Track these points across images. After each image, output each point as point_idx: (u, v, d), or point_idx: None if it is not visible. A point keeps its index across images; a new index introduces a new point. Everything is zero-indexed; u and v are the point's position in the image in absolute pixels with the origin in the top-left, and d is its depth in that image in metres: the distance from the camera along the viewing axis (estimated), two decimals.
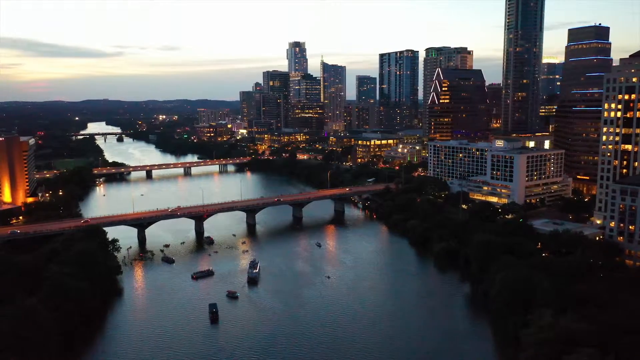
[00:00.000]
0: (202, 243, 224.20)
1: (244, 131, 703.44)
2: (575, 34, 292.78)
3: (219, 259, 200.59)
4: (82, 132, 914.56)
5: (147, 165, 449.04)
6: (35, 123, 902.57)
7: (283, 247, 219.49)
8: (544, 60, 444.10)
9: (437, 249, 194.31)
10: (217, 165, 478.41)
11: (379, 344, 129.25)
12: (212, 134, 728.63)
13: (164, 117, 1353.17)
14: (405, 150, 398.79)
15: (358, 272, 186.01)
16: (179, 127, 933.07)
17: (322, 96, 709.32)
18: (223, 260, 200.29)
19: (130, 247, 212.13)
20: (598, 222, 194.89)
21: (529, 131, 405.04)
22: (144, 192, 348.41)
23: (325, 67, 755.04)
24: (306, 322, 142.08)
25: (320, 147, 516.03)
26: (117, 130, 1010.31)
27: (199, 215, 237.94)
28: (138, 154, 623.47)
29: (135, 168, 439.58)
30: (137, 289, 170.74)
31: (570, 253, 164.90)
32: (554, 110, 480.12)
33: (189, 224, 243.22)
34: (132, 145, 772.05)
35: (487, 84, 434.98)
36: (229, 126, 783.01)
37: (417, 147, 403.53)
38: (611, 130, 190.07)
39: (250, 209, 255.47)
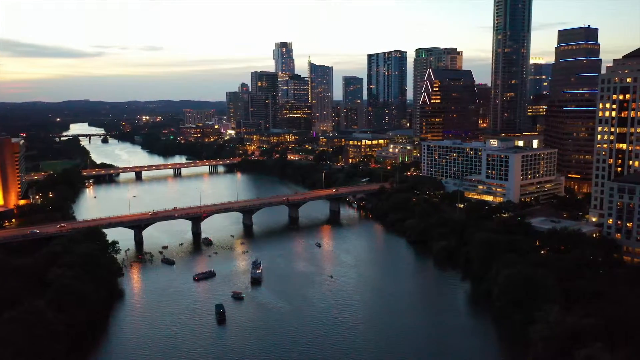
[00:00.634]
0: (201, 244, 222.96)
1: (232, 132, 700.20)
2: (565, 35, 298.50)
3: (219, 260, 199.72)
4: (65, 134, 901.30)
5: (137, 167, 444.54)
6: (15, 124, 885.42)
7: (282, 248, 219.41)
8: (531, 61, 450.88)
9: (437, 248, 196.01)
10: (207, 166, 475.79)
11: (386, 342, 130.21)
12: (199, 135, 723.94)
13: (148, 117, 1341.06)
14: (397, 150, 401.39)
15: (360, 271, 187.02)
16: (164, 127, 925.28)
17: (309, 97, 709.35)
18: (223, 261, 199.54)
19: (128, 249, 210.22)
20: (593, 219, 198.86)
21: (517, 131, 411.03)
22: (135, 194, 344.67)
23: (312, 67, 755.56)
24: (314, 321, 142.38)
25: (310, 148, 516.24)
26: (101, 131, 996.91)
27: (197, 216, 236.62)
28: (125, 155, 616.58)
29: (125, 169, 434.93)
30: (140, 291, 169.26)
31: (569, 250, 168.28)
32: (541, 110, 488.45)
33: (185, 225, 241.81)
34: (118, 146, 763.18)
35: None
36: (216, 127, 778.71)
37: (409, 147, 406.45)
38: (606, 129, 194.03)
39: (247, 210, 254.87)
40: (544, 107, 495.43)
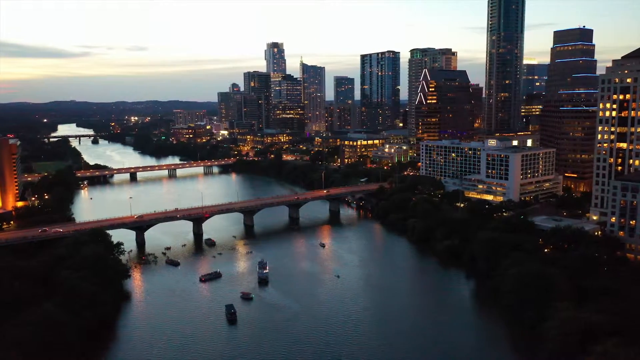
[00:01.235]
0: (204, 245, 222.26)
1: (225, 132, 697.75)
2: (560, 36, 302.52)
3: (224, 261, 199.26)
4: (53, 134, 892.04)
5: (132, 168, 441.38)
6: (2, 125, 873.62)
7: (286, 248, 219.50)
8: (523, 62, 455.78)
9: (441, 247, 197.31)
10: (202, 167, 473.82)
11: (398, 341, 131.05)
12: (190, 135, 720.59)
13: (137, 118, 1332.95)
14: (393, 150, 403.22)
15: (365, 270, 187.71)
16: (154, 128, 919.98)
17: (302, 97, 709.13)
18: (228, 262, 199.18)
19: (131, 251, 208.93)
20: (594, 218, 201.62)
21: (511, 131, 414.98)
22: (132, 195, 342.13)
23: (304, 67, 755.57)
24: (325, 321, 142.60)
25: (304, 148, 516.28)
26: (90, 132, 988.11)
27: (199, 217, 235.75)
28: (117, 156, 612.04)
29: (120, 170, 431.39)
30: (148, 292, 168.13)
31: (572, 248, 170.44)
32: (533, 110, 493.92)
33: (186, 226, 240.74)
34: (109, 147, 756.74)
35: None
36: (208, 127, 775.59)
37: (404, 147, 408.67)
38: (606, 129, 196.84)
39: (249, 210, 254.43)
40: (537, 107, 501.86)
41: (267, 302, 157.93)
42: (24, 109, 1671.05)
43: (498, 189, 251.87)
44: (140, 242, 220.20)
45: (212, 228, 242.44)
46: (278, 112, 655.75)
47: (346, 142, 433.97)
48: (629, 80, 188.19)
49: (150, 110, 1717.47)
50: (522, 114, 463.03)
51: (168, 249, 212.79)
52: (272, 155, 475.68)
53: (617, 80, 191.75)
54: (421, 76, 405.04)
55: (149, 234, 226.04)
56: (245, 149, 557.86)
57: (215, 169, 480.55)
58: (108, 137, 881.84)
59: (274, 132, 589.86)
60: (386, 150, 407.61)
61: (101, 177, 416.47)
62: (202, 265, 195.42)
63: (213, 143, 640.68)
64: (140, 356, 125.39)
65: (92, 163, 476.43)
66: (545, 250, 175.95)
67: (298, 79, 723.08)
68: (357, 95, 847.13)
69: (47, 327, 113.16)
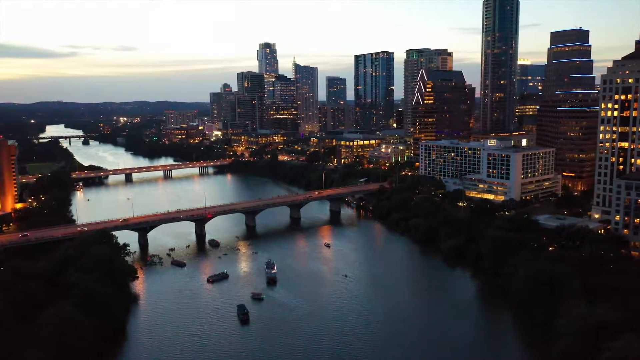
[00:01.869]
0: (207, 246, 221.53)
1: (219, 133, 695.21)
2: (557, 37, 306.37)
3: (230, 262, 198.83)
4: (42, 135, 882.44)
5: (127, 169, 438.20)
6: None
7: (290, 248, 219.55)
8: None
9: (446, 246, 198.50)
10: (197, 168, 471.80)
11: (412, 340, 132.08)
12: (183, 136, 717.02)
13: (126, 119, 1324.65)
14: (389, 150, 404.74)
15: (372, 270, 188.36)
16: (145, 129, 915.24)
17: (296, 97, 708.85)
18: (234, 262, 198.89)
19: (135, 252, 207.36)
20: (596, 216, 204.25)
21: (506, 130, 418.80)
22: (129, 196, 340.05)
23: (297, 68, 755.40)
24: (337, 320, 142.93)
25: (300, 149, 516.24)
26: (80, 133, 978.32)
27: (202, 217, 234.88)
28: (109, 157, 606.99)
29: (115, 171, 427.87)
30: (157, 293, 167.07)
31: (577, 247, 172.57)
32: (527, 110, 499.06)
33: (188, 227, 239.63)
34: (100, 148, 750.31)
35: None
36: (200, 128, 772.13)
37: (401, 147, 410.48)
38: (608, 128, 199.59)
39: (251, 211, 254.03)
40: (531, 107, 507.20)
41: (278, 302, 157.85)
42: (10, 110, 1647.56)
43: (499, 188, 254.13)
44: (143, 244, 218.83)
45: (214, 229, 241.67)
46: (272, 112, 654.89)
47: (342, 143, 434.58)
48: (630, 80, 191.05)
49: (139, 110, 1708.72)
50: (516, 114, 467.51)
51: (172, 250, 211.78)
52: (268, 156, 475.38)
53: (618, 80, 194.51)
54: (418, 76, 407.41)
55: (150, 235, 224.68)
56: (240, 149, 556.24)
57: (211, 170, 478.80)
58: (99, 138, 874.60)
59: (268, 132, 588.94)
60: (383, 150, 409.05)
61: (96, 178, 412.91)
62: (208, 266, 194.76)
63: (207, 144, 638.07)
64: (157, 357, 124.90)
65: (84, 164, 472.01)
66: (550, 248, 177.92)
67: (291, 79, 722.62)
68: (349, 95, 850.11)
69: (65, 328, 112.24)
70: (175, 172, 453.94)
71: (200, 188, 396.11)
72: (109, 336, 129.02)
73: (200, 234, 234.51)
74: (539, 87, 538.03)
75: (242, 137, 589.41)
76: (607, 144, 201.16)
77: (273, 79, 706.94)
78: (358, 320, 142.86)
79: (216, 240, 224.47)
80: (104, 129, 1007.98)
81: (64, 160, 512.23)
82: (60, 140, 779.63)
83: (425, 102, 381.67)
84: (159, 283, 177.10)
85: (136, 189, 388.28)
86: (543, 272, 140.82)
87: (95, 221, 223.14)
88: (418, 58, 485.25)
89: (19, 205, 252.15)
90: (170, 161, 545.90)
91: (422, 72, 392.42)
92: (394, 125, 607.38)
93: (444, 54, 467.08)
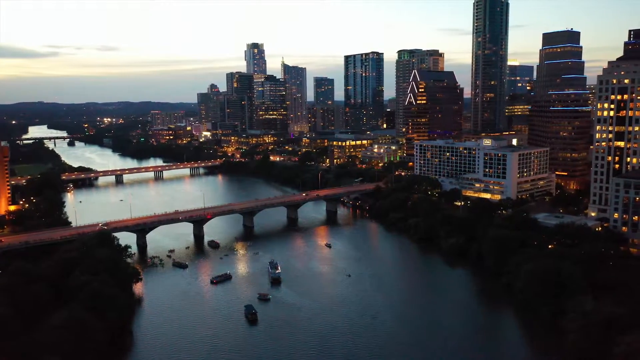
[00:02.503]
0: (207, 247, 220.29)
1: (208, 133, 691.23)
2: (549, 38, 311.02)
3: (231, 263, 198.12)
4: (25, 136, 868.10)
5: (118, 170, 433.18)
6: None
7: (291, 248, 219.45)
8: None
9: (447, 245, 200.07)
10: (188, 169, 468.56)
11: (422, 337, 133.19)
12: (171, 137, 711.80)
13: (110, 119, 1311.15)
14: (382, 150, 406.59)
15: (375, 269, 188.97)
16: (130, 129, 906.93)
17: (285, 98, 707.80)
18: (236, 263, 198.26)
19: (134, 254, 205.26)
20: (592, 214, 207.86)
21: (496, 130, 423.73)
22: (122, 198, 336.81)
23: (286, 68, 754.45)
24: (347, 319, 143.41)
25: (291, 149, 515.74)
26: (64, 134, 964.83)
27: (201, 218, 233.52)
28: (97, 158, 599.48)
29: (106, 173, 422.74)
30: (161, 295, 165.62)
31: (576, 244, 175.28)
32: (516, 110, 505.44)
33: (185, 228, 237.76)
34: (87, 149, 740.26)
35: None
36: (189, 128, 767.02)
37: (393, 147, 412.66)
38: (604, 128, 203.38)
39: (249, 211, 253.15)
40: (520, 107, 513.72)
41: (285, 302, 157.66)
42: None
43: (496, 187, 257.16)
44: (142, 245, 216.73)
45: (212, 230, 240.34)
46: (261, 113, 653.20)
47: (334, 143, 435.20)
48: (626, 81, 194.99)
49: (123, 111, 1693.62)
50: (506, 114, 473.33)
51: (172, 251, 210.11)
52: (259, 157, 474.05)
53: (614, 81, 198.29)
54: (409, 77, 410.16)
55: (148, 237, 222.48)
56: (230, 150, 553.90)
57: (202, 171, 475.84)
58: (84, 139, 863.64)
59: (258, 133, 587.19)
60: (375, 150, 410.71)
61: (86, 179, 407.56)
62: (210, 267, 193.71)
63: (196, 144, 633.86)
64: (169, 357, 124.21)
65: (73, 166, 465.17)
66: (549, 246, 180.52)
67: (280, 79, 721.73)
68: (337, 95, 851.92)
69: (77, 330, 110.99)
70: (166, 173, 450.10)
71: (192, 189, 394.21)
72: (118, 338, 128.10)
73: (198, 235, 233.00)
74: (528, 88, 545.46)
75: (232, 137, 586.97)
76: (603, 143, 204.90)
77: (262, 80, 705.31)
78: (366, 319, 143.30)
79: (216, 241, 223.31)
80: (89, 130, 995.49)
81: (51, 161, 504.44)
82: (45, 141, 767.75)
83: (418, 102, 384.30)
84: (162, 284, 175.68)
85: (128, 190, 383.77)
86: (548, 270, 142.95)
87: (91, 223, 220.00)
88: (410, 58, 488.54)
89: (12, 208, 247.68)
90: (159, 162, 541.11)
91: (414, 72, 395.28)
92: (384, 125, 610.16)
93: (436, 54, 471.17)
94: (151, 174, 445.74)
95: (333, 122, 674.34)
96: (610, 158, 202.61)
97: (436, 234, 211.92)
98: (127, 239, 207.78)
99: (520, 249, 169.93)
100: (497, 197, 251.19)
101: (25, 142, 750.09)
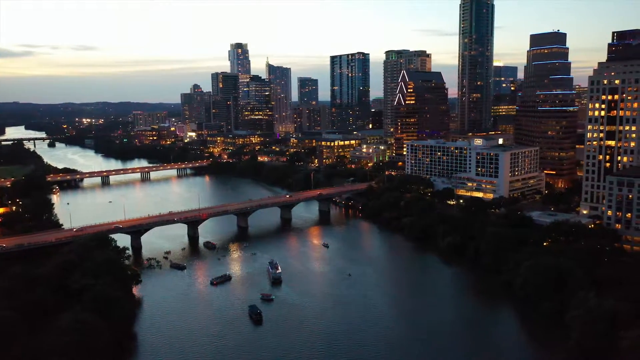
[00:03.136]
0: (203, 248, 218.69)
1: (193, 134, 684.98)
2: (536, 39, 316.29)
3: (229, 264, 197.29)
4: (3, 138, 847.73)
5: (104, 171, 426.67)
6: None
7: (288, 248, 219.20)
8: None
9: (444, 244, 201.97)
10: (176, 170, 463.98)
11: (429, 337, 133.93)
12: (155, 137, 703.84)
13: (90, 120, 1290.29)
14: (371, 150, 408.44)
15: (374, 268, 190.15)
16: (111, 130, 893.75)
17: (270, 98, 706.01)
18: (234, 264, 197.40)
19: (130, 256, 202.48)
20: (584, 212, 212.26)
21: (483, 130, 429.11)
22: (111, 199, 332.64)
23: (270, 68, 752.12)
24: (352, 318, 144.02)
25: (278, 149, 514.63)
26: (42, 134, 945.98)
27: (196, 219, 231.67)
28: (80, 159, 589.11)
29: (92, 174, 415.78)
30: (162, 296, 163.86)
31: (570, 241, 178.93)
32: (500, 110, 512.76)
33: (179, 230, 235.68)
34: (68, 150, 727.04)
35: None
36: (172, 129, 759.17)
37: (382, 147, 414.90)
38: (595, 127, 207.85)
39: (244, 212, 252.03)
40: (505, 107, 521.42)
41: (288, 302, 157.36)
42: None
43: (488, 186, 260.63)
44: (137, 247, 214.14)
45: (206, 231, 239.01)
46: (247, 113, 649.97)
47: (323, 143, 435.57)
48: (617, 81, 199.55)
49: (101, 111, 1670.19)
50: (492, 114, 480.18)
51: (168, 252, 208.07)
52: (247, 157, 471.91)
53: (605, 81, 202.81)
54: (397, 77, 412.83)
55: (143, 238, 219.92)
56: (217, 150, 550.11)
57: (189, 171, 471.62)
58: (65, 140, 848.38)
59: (244, 133, 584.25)
60: (364, 150, 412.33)
61: (72, 181, 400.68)
62: (208, 268, 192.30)
63: (181, 145, 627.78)
64: (176, 358, 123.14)
65: (56, 167, 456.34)
66: (544, 244, 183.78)
67: (265, 79, 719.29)
68: (321, 96, 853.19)
69: (84, 333, 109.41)
70: (153, 174, 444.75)
71: (181, 190, 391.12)
72: (122, 340, 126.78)
73: (193, 236, 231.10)
74: (512, 88, 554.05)
75: (218, 138, 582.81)
76: (594, 143, 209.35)
77: (247, 80, 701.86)
78: (370, 318, 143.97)
79: (212, 242, 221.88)
80: (69, 131, 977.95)
81: (33, 163, 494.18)
82: (25, 142, 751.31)
83: (406, 102, 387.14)
84: (162, 286, 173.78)
85: (115, 191, 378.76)
86: (550, 266, 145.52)
87: (86, 225, 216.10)
88: (397, 59, 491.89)
89: (1, 210, 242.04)
90: (143, 163, 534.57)
91: (403, 72, 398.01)
92: (370, 126, 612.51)
93: (423, 55, 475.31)
94: (138, 175, 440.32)
95: (319, 122, 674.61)
96: (601, 157, 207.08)
97: (432, 233, 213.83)
98: (120, 241, 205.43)
99: (517, 247, 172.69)
100: (490, 195, 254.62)
101: (3, 143, 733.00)
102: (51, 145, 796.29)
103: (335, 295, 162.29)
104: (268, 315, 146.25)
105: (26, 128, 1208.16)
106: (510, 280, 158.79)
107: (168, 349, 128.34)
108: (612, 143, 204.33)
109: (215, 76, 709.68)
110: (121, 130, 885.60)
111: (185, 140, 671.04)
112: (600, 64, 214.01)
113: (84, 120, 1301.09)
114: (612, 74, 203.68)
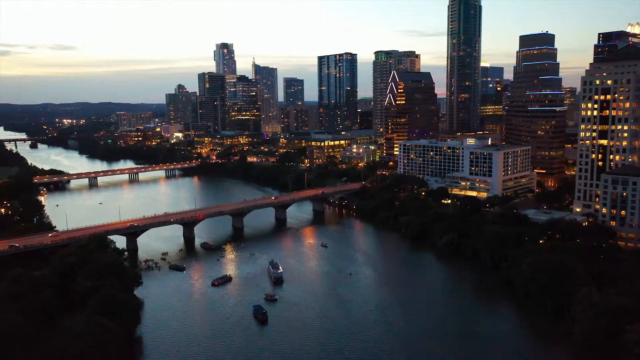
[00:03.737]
0: (200, 249, 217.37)
1: (179, 134, 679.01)
2: (525, 41, 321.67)
3: (228, 264, 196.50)
4: None
5: (91, 173, 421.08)
6: None
7: (286, 249, 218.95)
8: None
9: (442, 242, 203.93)
10: (164, 171, 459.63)
11: (434, 332, 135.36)
12: (140, 138, 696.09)
13: (70, 121, 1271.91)
14: (361, 150, 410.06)
15: (374, 267, 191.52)
16: (94, 131, 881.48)
17: (258, 98, 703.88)
18: (233, 265, 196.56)
19: (128, 258, 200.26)
20: (577, 210, 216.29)
21: (470, 130, 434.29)
22: (101, 201, 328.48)
23: (257, 68, 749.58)
24: (356, 316, 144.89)
25: (266, 150, 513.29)
26: (22, 135, 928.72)
27: (193, 220, 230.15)
28: (64, 161, 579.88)
29: (79, 175, 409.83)
30: (164, 297, 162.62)
31: (565, 239, 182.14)
32: (487, 110, 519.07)
33: (174, 231, 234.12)
34: (51, 151, 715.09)
35: None
36: (158, 129, 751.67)
37: (372, 147, 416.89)
38: (588, 127, 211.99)
39: (239, 213, 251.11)
40: (491, 107, 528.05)
41: (292, 302, 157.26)
42: None
43: (481, 185, 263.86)
44: (133, 249, 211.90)
45: (202, 232, 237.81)
46: (234, 113, 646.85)
47: (313, 143, 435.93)
48: (609, 82, 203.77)
49: (82, 112, 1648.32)
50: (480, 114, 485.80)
51: (166, 254, 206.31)
52: (237, 157, 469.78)
53: (597, 82, 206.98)
54: (387, 77, 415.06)
55: (139, 240, 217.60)
56: (204, 151, 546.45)
57: (177, 172, 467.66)
58: (47, 141, 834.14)
59: (232, 133, 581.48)
60: (354, 150, 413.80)
61: (59, 182, 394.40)
62: (208, 269, 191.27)
63: (167, 146, 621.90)
64: (183, 358, 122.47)
65: (42, 168, 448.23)
66: (541, 241, 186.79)
67: (253, 80, 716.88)
68: (307, 96, 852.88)
69: (99, 335, 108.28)
70: (141, 175, 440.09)
71: (170, 191, 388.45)
72: (129, 342, 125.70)
73: (189, 237, 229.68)
74: (498, 88, 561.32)
75: (206, 138, 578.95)
76: (587, 142, 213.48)
77: (234, 80, 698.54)
78: (373, 317, 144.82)
79: (209, 243, 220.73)
80: (50, 132, 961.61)
81: (17, 164, 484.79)
82: (5, 143, 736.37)
83: (397, 102, 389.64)
84: (163, 287, 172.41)
85: (103, 193, 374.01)
86: (551, 263, 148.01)
87: (79, 227, 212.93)
88: (387, 59, 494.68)
89: None
90: (129, 164, 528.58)
91: (393, 73, 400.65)
92: (357, 126, 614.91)
93: (412, 55, 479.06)
94: (126, 176, 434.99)
95: (307, 122, 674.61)
96: (594, 156, 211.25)
97: (429, 232, 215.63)
98: (116, 243, 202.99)
99: (515, 244, 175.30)
100: (484, 194, 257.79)
101: None
102: (33, 146, 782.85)
103: (338, 295, 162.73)
104: (273, 316, 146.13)
105: (5, 129, 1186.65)
106: (510, 277, 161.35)
107: (176, 350, 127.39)
108: (604, 142, 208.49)
109: (202, 76, 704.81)
110: (104, 131, 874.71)
111: (172, 141, 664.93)
112: (592, 64, 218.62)
113: (64, 120, 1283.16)
114: (604, 74, 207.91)
